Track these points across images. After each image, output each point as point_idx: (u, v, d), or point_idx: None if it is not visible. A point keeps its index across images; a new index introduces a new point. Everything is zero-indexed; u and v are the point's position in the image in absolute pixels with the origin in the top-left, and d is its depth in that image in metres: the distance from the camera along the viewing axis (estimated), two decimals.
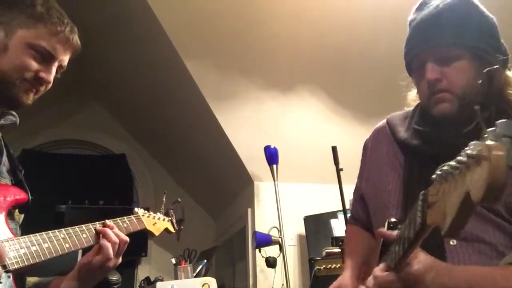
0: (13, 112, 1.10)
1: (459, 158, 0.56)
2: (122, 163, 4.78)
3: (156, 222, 1.36)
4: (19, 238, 0.98)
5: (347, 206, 2.74)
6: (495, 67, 0.98)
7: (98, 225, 1.12)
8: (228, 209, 4.42)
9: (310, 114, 3.46)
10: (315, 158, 3.43)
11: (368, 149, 1.31)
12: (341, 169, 2.83)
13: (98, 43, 3.38)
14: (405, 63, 1.16)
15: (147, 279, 3.79)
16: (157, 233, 1.35)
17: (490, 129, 0.55)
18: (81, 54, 1.19)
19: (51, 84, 1.11)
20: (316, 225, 3.39)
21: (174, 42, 2.96)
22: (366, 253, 1.21)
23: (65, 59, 1.13)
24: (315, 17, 2.94)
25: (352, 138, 2.96)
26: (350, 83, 3.34)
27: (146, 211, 1.35)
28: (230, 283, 4.11)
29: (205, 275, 3.00)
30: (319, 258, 2.80)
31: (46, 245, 1.00)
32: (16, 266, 0.93)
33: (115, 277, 2.60)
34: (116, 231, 1.11)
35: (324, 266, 2.72)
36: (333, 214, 3.28)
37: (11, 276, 0.95)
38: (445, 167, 0.60)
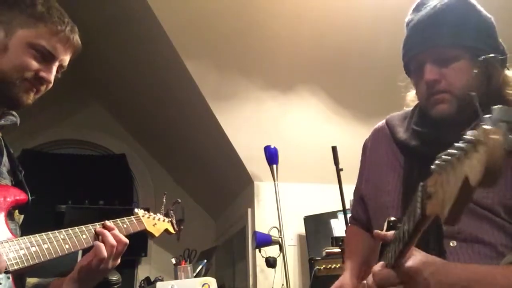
0: (14, 112, 1.10)
1: (456, 145, 0.57)
2: (122, 163, 4.78)
3: (156, 223, 1.36)
4: (18, 239, 0.98)
5: (347, 206, 2.74)
6: (491, 55, 0.98)
7: (98, 226, 1.12)
8: (228, 209, 4.42)
9: (310, 114, 3.46)
10: (315, 158, 3.43)
11: (368, 149, 1.31)
12: (341, 169, 2.83)
13: (98, 43, 3.38)
14: (403, 64, 1.16)
15: (147, 279, 3.79)
16: (157, 234, 1.35)
17: (487, 115, 0.56)
18: (81, 54, 1.19)
19: (51, 84, 1.10)
20: (316, 225, 3.39)
21: (174, 42, 2.96)
22: (366, 253, 1.22)
23: (66, 58, 1.13)
24: (315, 17, 2.94)
25: (352, 138, 2.96)
26: (350, 83, 3.34)
27: (146, 212, 1.35)
28: (230, 283, 4.11)
29: (205, 275, 3.00)
30: (319, 258, 2.80)
31: (45, 246, 1.00)
32: (15, 267, 0.93)
33: (115, 277, 2.60)
34: (116, 232, 1.11)
35: (324, 266, 2.72)
36: (333, 214, 3.28)
37: (10, 277, 0.95)
38: (444, 155, 0.60)
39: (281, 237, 3.09)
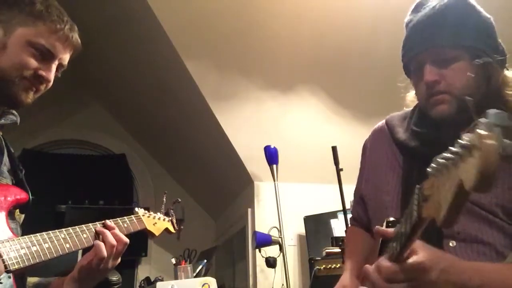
0: (14, 112, 1.10)
1: (452, 149, 0.57)
2: (122, 163, 4.78)
3: (156, 222, 1.36)
4: (19, 238, 0.98)
5: (347, 206, 2.74)
6: (488, 59, 0.98)
7: (98, 225, 1.12)
8: (228, 209, 4.42)
9: (310, 114, 3.46)
10: (315, 158, 3.43)
11: (367, 149, 1.31)
12: (341, 169, 2.84)
13: (98, 43, 3.38)
14: (403, 64, 1.16)
15: (147, 279, 3.79)
16: (157, 233, 1.35)
17: (482, 119, 0.56)
18: (81, 54, 1.19)
19: (51, 83, 1.10)
20: (316, 225, 3.39)
21: (174, 42, 2.96)
22: (367, 253, 1.21)
23: (65, 57, 1.12)
24: (315, 17, 2.94)
25: (352, 138, 2.96)
26: (350, 83, 3.34)
27: (146, 211, 1.35)
28: (230, 283, 4.11)
29: (205, 275, 3.00)
30: (319, 258, 2.80)
31: (46, 245, 0.99)
32: (16, 267, 0.93)
33: (115, 277, 2.61)
34: (116, 231, 1.11)
35: (324, 266, 2.72)
36: (333, 214, 3.28)
37: (11, 277, 0.95)
38: (439, 159, 0.60)
39: (281, 237, 3.09)
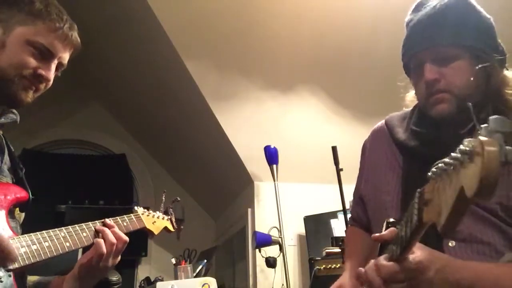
0: (14, 111, 1.09)
1: (453, 154, 0.57)
2: (122, 163, 4.78)
3: (156, 221, 1.36)
4: (19, 237, 0.98)
5: (347, 206, 2.74)
6: (489, 62, 0.98)
7: (98, 224, 1.12)
8: (228, 209, 4.42)
9: (310, 114, 3.46)
10: (315, 158, 3.43)
11: (367, 149, 1.31)
12: (341, 169, 2.83)
13: (98, 42, 3.39)
14: (403, 64, 1.16)
15: (147, 279, 3.79)
16: (156, 232, 1.35)
17: (483, 125, 0.56)
18: (81, 54, 1.19)
19: (51, 82, 1.10)
20: (316, 225, 3.39)
21: (174, 42, 2.96)
22: (366, 253, 1.21)
23: (65, 56, 1.12)
24: (315, 17, 2.95)
25: (352, 138, 2.96)
26: (350, 83, 3.34)
27: (145, 210, 1.35)
28: (230, 283, 4.11)
29: (205, 275, 3.00)
30: (319, 258, 2.80)
31: (46, 244, 1.00)
32: (16, 265, 0.93)
33: (115, 277, 2.60)
34: (116, 230, 1.11)
35: (324, 266, 2.72)
36: (333, 214, 3.28)
37: (12, 275, 0.95)
38: (440, 164, 0.60)
39: (281, 237, 3.09)
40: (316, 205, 3.45)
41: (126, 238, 1.12)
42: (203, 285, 2.64)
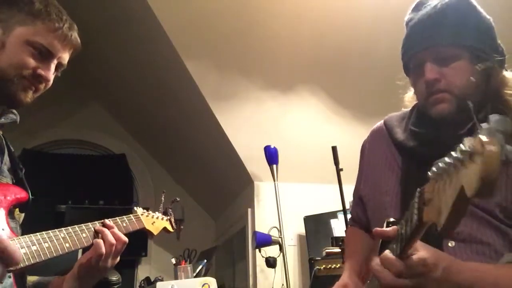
0: (14, 111, 1.09)
1: (453, 154, 0.57)
2: (122, 163, 4.78)
3: (155, 221, 1.36)
4: (19, 238, 0.98)
5: (347, 206, 2.74)
6: (489, 63, 0.98)
7: (98, 224, 1.12)
8: (228, 209, 4.42)
9: (310, 114, 3.46)
10: (315, 158, 3.43)
11: (366, 150, 1.31)
12: (341, 169, 2.83)
13: (98, 42, 3.39)
14: (402, 63, 1.16)
15: (147, 279, 3.79)
16: (155, 232, 1.35)
17: (484, 124, 0.56)
18: (81, 54, 1.19)
19: (50, 83, 1.10)
20: (316, 225, 3.39)
21: (174, 42, 2.96)
22: (366, 253, 1.21)
23: (65, 56, 1.12)
24: (315, 17, 2.95)
25: (352, 138, 2.96)
26: (350, 83, 3.34)
27: (145, 210, 1.35)
28: (230, 283, 4.11)
29: (205, 275, 3.00)
30: (319, 258, 2.80)
31: (46, 244, 0.99)
32: (17, 266, 0.93)
33: (115, 277, 2.60)
34: (115, 231, 1.11)
35: (324, 266, 2.72)
36: (333, 214, 3.28)
37: (11, 276, 0.95)
38: (440, 164, 0.60)
39: (281, 237, 3.09)
40: (316, 205, 3.46)
41: (125, 239, 1.12)
42: (203, 285, 2.64)
